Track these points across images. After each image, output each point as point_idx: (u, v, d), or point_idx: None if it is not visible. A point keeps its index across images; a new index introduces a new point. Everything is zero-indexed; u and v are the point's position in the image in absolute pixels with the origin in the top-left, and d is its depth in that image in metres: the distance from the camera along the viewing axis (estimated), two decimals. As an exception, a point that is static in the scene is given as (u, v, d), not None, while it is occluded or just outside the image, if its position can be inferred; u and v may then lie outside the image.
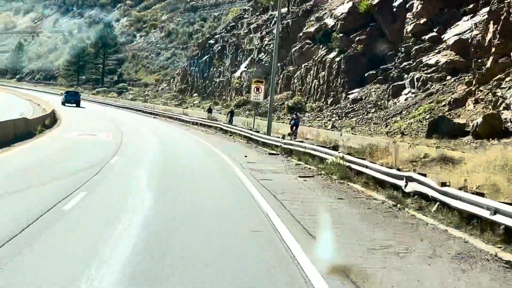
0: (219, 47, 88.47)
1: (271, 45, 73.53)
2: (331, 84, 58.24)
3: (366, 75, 54.18)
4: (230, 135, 43.54)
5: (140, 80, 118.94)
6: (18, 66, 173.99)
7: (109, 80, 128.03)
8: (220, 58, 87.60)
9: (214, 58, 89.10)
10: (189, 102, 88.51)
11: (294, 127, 40.03)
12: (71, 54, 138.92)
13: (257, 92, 39.45)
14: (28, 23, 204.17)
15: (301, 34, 66.99)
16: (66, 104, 71.86)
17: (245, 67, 76.59)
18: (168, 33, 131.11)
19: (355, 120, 48.04)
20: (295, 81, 65.28)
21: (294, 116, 42.53)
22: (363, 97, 52.16)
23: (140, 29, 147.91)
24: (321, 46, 62.02)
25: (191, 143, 37.76)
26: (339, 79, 57.12)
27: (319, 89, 59.17)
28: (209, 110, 64.26)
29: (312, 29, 64.73)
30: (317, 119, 52.79)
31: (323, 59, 60.10)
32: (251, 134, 38.24)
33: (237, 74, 79.16)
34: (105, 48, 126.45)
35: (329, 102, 57.14)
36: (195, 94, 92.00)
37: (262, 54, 74.28)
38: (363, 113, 49.07)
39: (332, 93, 57.53)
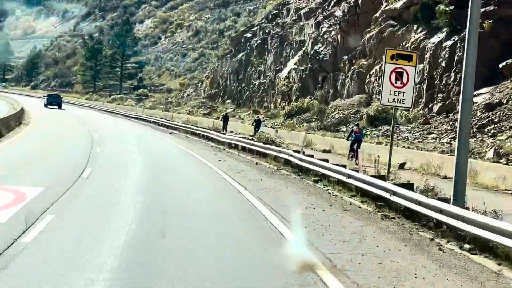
0: (258, 41, 68.36)
1: (332, 33, 52.92)
2: (436, 82, 37.74)
3: (501, 66, 33.73)
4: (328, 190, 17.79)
5: (162, 85, 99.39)
6: (34, 73, 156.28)
7: (129, 86, 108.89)
8: (260, 54, 67.59)
9: (252, 55, 69.04)
10: (220, 110, 68.76)
11: (356, 145, 26.82)
12: (86, 57, 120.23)
13: (400, 85, 17.84)
14: (48, 28, 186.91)
15: (378, 14, 46.69)
16: (48, 106, 72.42)
17: (295, 64, 56.51)
18: (195, 32, 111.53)
19: (506, 139, 27.63)
20: (372, 79, 44.93)
21: (355, 128, 29.00)
22: (504, 100, 31.66)
23: (166, 31, 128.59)
24: (414, 28, 41.66)
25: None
26: (452, 74, 36.61)
27: (415, 90, 38.73)
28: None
29: (397, 4, 44.28)
30: (430, 135, 32.30)
31: (421, 45, 39.67)
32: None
33: (284, 73, 59.02)
34: (123, 49, 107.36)
35: (435, 109, 36.68)
36: (228, 101, 72.01)
37: (319, 45, 54.01)
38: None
39: (440, 95, 37.00)
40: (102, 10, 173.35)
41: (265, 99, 62.65)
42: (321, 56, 52.76)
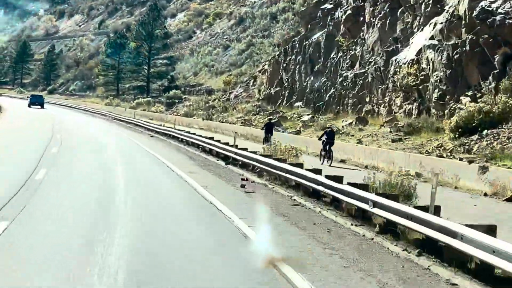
0: (348, 12, 44.03)
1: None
2: None
3: None
4: None
5: (200, 85, 75.70)
6: (53, 75, 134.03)
7: (158, 87, 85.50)
8: (351, 32, 43.16)
9: (337, 34, 44.79)
10: (289, 117, 44.54)
11: None
12: (107, 54, 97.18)
13: None
14: (71, 27, 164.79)
15: None
16: (31, 106, 73.10)
17: (433, 38, 31.72)
18: (239, 19, 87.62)
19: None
20: None
21: None
22: None
23: (201, 24, 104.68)
24: None
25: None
26: None
27: None
28: (268, 129, 31.65)
29: None
30: None
31: None
32: None
33: (408, 55, 34.51)
34: (151, 41, 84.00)
35: None
36: (299, 103, 47.47)
37: None
38: None
39: None
40: (129, 6, 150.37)
41: (368, 100, 38.13)
42: (497, 19, 28.18)
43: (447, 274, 8.57)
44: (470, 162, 19.44)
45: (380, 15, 38.84)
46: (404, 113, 33.24)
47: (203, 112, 54.25)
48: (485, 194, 17.12)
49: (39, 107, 72.94)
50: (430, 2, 33.55)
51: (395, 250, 9.92)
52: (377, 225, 11.14)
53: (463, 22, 29.88)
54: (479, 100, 25.79)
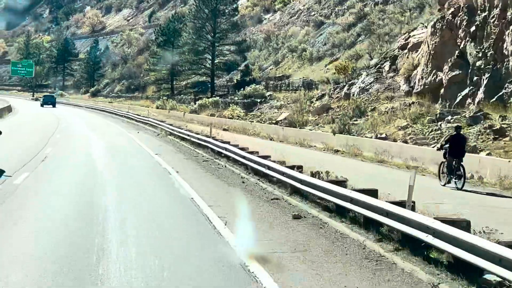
0: None
1: None
2: None
3: None
4: None
5: (287, 76, 52.18)
6: (96, 75, 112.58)
7: (225, 83, 62.19)
8: None
9: None
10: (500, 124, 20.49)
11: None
12: (159, 44, 74.57)
13: None
14: (119, 23, 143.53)
15: None
16: (44, 106, 72.44)
17: None
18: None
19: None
20: None
21: None
22: None
23: (268, 10, 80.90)
24: None
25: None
26: None
27: None
28: None
29: None
30: None
31: None
32: None
33: None
34: (215, 20, 60.66)
35: None
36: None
37: None
38: None
39: None
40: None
41: None
42: None
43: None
44: None
45: None
46: None
47: (328, 119, 30.06)
48: None
49: (51, 106, 73.07)
50: None
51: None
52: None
53: None
54: None
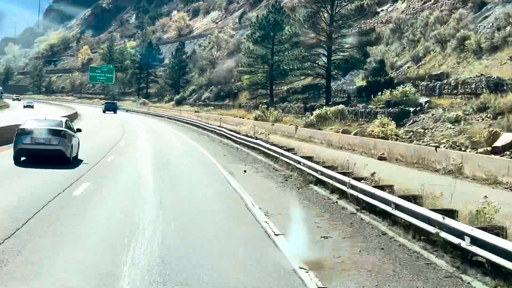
0: None
1: None
2: None
3: None
4: None
5: (447, 75, 36.10)
6: (182, 81, 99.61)
7: (343, 87, 46.31)
8: None
9: None
10: None
11: None
12: (255, 40, 59.81)
13: None
14: (207, 25, 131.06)
15: None
16: (106, 112, 73.71)
17: None
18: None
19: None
20: None
21: None
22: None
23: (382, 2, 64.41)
24: None
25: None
26: None
27: None
28: None
29: None
30: None
31: None
32: None
33: None
34: (332, 3, 44.86)
35: None
36: None
37: None
38: None
39: None
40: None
41: None
42: None
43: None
44: None
45: None
46: None
47: None
48: None
49: (113, 112, 74.57)
50: None
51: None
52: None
53: None
54: None
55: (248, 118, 50.77)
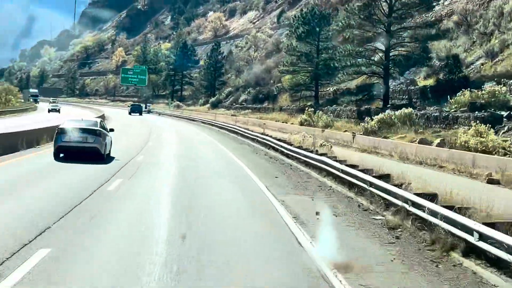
0: None
1: None
2: None
3: None
4: None
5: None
6: (217, 83, 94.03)
7: (401, 87, 39.49)
8: None
9: None
10: None
11: None
12: (299, 36, 53.55)
13: None
14: (244, 26, 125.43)
15: None
16: (131, 114, 74.12)
17: None
18: None
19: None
20: None
21: None
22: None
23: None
24: None
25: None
26: None
27: None
28: None
29: None
30: None
31: None
32: None
33: None
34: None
35: None
36: None
37: None
38: None
39: None
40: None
41: None
42: None
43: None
44: None
45: None
46: None
47: None
48: None
49: (138, 114, 75.18)
50: None
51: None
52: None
53: None
54: None
55: (292, 123, 44.64)
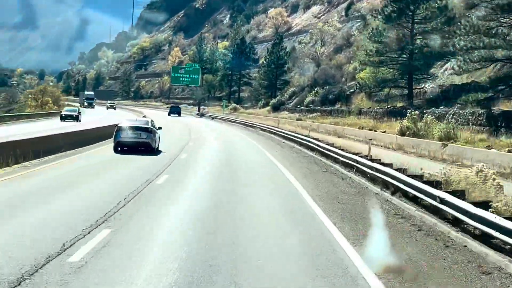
0: None
1: None
2: None
3: None
4: None
5: None
6: (279, 82, 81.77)
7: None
8: None
9: None
10: None
11: None
12: (387, 17, 40.92)
13: None
14: (308, 21, 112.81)
15: None
16: (170, 115, 73.73)
17: None
18: None
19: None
20: None
21: None
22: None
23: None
24: None
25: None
26: None
27: None
28: None
29: None
30: None
31: None
32: None
33: None
34: None
35: None
36: None
37: None
38: None
39: None
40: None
41: None
42: None
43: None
44: None
45: None
46: None
47: None
48: None
49: (177, 115, 74.59)
50: None
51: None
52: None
53: None
54: None
55: (383, 131, 31.73)
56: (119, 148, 21.08)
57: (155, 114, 59.25)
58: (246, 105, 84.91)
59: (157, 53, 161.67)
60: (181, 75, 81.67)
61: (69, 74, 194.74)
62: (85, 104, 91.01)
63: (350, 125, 37.82)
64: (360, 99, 52.38)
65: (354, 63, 60.63)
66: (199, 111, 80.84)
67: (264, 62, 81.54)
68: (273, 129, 39.59)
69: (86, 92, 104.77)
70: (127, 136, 20.99)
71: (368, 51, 39.92)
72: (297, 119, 53.86)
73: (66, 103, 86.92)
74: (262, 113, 69.01)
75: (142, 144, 21.05)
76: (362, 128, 34.67)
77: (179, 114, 76.53)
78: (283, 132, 35.12)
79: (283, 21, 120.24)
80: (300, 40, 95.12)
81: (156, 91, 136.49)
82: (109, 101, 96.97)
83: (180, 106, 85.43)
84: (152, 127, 21.81)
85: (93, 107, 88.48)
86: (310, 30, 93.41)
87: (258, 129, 43.65)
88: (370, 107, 44.44)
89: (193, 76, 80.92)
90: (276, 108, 70.51)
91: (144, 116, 41.00)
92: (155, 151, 21.21)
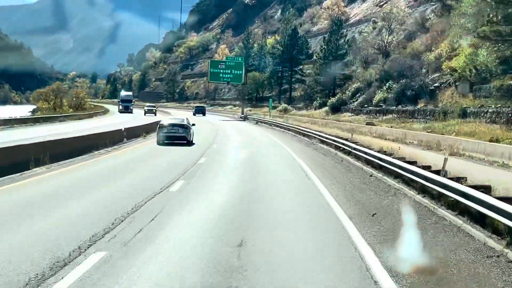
0: None
1: None
2: None
3: None
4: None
5: None
6: (337, 79, 66.63)
7: None
8: None
9: None
10: None
11: None
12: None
13: None
14: (368, 11, 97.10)
15: None
16: (196, 115, 71.11)
17: None
18: None
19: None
20: None
21: None
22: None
23: None
24: None
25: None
26: None
27: None
28: None
29: None
30: None
31: None
32: None
33: None
34: None
35: None
36: None
37: None
38: None
39: None
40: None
41: None
42: None
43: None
44: None
45: None
46: None
47: None
48: None
49: (202, 115, 74.39)
50: None
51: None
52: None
53: None
54: None
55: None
56: (160, 141, 25.10)
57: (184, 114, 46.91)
58: (298, 106, 70.24)
59: (204, 52, 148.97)
60: (221, 70, 67.37)
61: (116, 76, 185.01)
62: (120, 107, 74.26)
63: (465, 134, 22.61)
64: (449, 93, 37.26)
65: (439, 49, 45.27)
66: (242, 113, 66.83)
67: (320, 54, 66.71)
68: (344, 143, 22.98)
69: (122, 93, 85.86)
70: (167, 131, 25.48)
71: (489, 18, 24.56)
72: (367, 123, 38.89)
73: (93, 105, 74.35)
74: (318, 115, 54.29)
75: (180, 137, 25.25)
76: (497, 140, 19.45)
77: (203, 113, 76.95)
78: (364, 151, 18.79)
79: (340, 12, 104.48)
80: (360, 30, 79.92)
81: (201, 91, 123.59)
82: (147, 104, 79.19)
83: (204, 106, 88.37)
84: (187, 123, 26.25)
85: (131, 111, 71.02)
86: (373, 18, 78.03)
87: (317, 141, 28.54)
88: (482, 106, 29.06)
89: (236, 71, 66.67)
90: (336, 109, 55.63)
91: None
92: (190, 143, 25.27)
